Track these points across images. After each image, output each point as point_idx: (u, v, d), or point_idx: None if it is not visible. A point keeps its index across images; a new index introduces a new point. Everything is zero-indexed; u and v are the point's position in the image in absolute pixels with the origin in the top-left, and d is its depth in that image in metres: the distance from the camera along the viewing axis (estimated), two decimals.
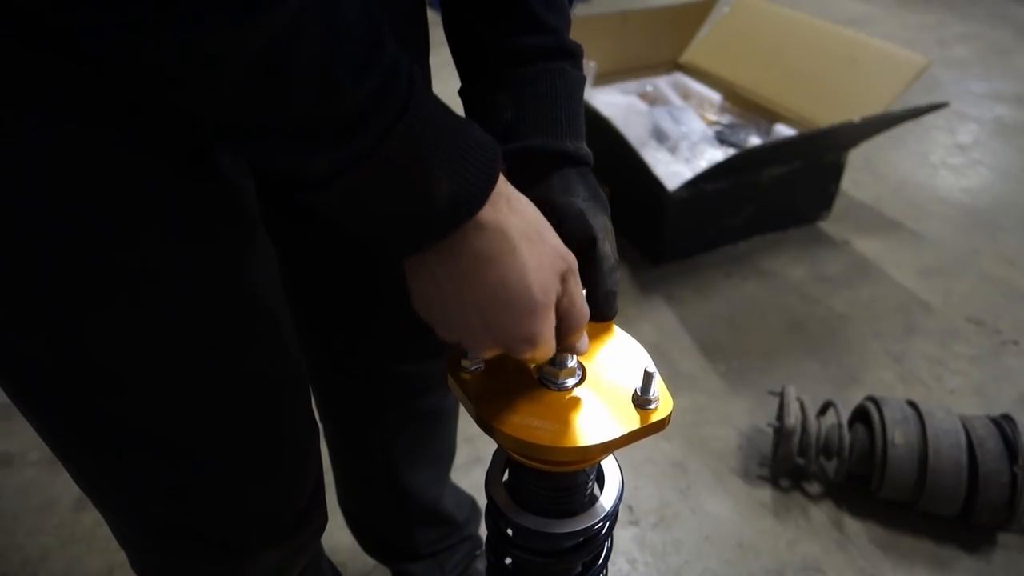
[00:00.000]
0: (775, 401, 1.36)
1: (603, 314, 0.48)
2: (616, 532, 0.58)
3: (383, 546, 0.99)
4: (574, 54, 0.51)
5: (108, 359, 0.43)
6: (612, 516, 0.50)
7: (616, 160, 1.70)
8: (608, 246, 0.48)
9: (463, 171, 0.35)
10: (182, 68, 0.29)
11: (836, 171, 1.92)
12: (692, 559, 1.16)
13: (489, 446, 0.46)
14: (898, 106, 1.73)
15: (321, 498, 0.64)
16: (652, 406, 0.44)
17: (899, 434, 1.15)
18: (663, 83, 2.26)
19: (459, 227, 0.36)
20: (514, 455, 0.46)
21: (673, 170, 1.82)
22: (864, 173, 2.22)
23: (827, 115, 1.86)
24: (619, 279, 0.50)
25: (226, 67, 0.28)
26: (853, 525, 1.20)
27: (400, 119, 0.33)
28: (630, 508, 1.23)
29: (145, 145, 0.38)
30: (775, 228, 1.94)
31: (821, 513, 1.22)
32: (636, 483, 1.27)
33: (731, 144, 1.98)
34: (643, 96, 2.19)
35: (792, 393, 1.24)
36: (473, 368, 0.47)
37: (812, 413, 1.22)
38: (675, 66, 2.36)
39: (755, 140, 1.99)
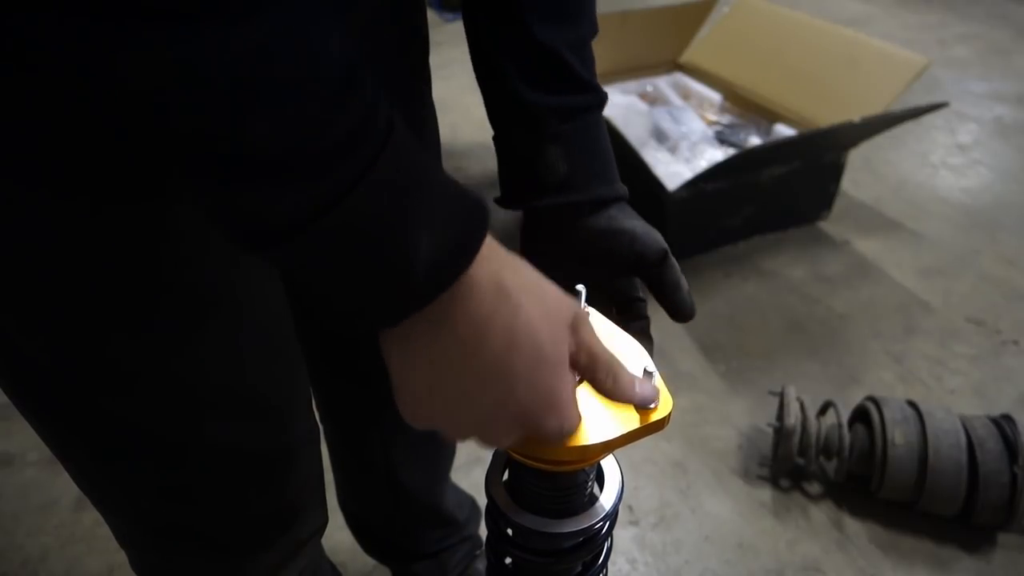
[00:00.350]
0: (775, 401, 1.36)
1: (689, 313, 0.53)
2: (616, 532, 0.58)
3: (383, 546, 0.99)
4: (604, 104, 0.54)
5: (116, 363, 0.43)
6: (612, 516, 0.50)
7: (616, 160, 1.70)
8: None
9: (447, 225, 0.31)
10: (149, 79, 0.26)
11: (836, 171, 1.92)
12: (692, 559, 1.16)
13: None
14: (898, 106, 1.73)
15: (321, 498, 0.64)
16: (652, 405, 0.44)
17: (899, 434, 1.15)
18: (663, 83, 2.26)
19: (447, 289, 0.32)
20: (514, 455, 0.46)
21: (673, 170, 1.82)
22: (864, 173, 2.22)
23: (827, 115, 1.86)
24: None
25: (191, 79, 0.26)
26: (853, 525, 1.20)
27: (374, 165, 0.29)
28: (630, 508, 1.23)
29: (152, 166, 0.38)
30: (775, 228, 1.94)
31: (821, 513, 1.22)
32: (636, 483, 1.27)
33: (731, 144, 1.98)
34: (643, 96, 2.19)
35: (792, 393, 1.24)
36: None
37: (812, 413, 1.22)
38: (675, 66, 2.36)
39: (755, 140, 1.99)
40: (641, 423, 0.43)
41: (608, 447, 0.43)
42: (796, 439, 1.20)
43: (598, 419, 0.44)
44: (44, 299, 0.40)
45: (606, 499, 0.50)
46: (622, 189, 0.54)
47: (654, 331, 0.55)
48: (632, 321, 0.55)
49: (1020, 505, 1.09)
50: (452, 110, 2.38)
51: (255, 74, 0.26)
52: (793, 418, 1.20)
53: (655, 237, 0.52)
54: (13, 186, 0.36)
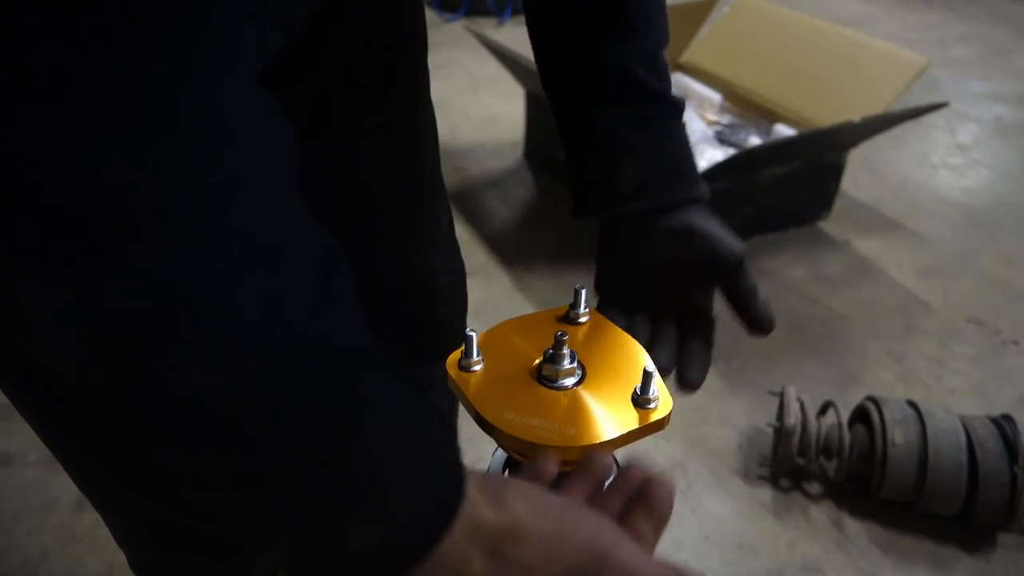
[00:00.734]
0: (775, 401, 1.36)
1: (767, 325, 0.51)
2: None
3: None
4: (682, 111, 0.53)
5: None
6: None
7: None
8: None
9: (388, 512, 0.28)
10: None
11: (836, 171, 1.92)
12: (692, 559, 1.16)
13: (489, 446, 0.46)
14: (898, 106, 1.73)
15: None
16: (652, 405, 0.44)
17: (899, 434, 1.15)
18: None
19: None
20: (514, 455, 0.46)
21: None
22: (864, 173, 2.22)
23: (827, 115, 1.86)
24: None
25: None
26: (853, 525, 1.20)
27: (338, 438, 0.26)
28: None
29: None
30: (775, 228, 1.94)
31: (821, 513, 1.22)
32: None
33: (731, 144, 1.98)
34: None
35: (792, 393, 1.24)
36: (473, 368, 0.47)
37: (812, 413, 1.22)
38: (675, 66, 2.35)
39: (755, 140, 1.99)
40: (641, 423, 0.43)
41: (607, 447, 0.43)
42: (796, 439, 1.20)
43: (598, 419, 0.44)
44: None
45: None
46: (701, 190, 0.52)
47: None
48: (697, 330, 0.53)
49: (1020, 505, 1.09)
50: (452, 110, 2.38)
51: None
52: (793, 418, 1.20)
53: (732, 241, 0.50)
54: None
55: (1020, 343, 1.59)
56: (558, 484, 0.38)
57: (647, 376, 0.44)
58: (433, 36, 0.60)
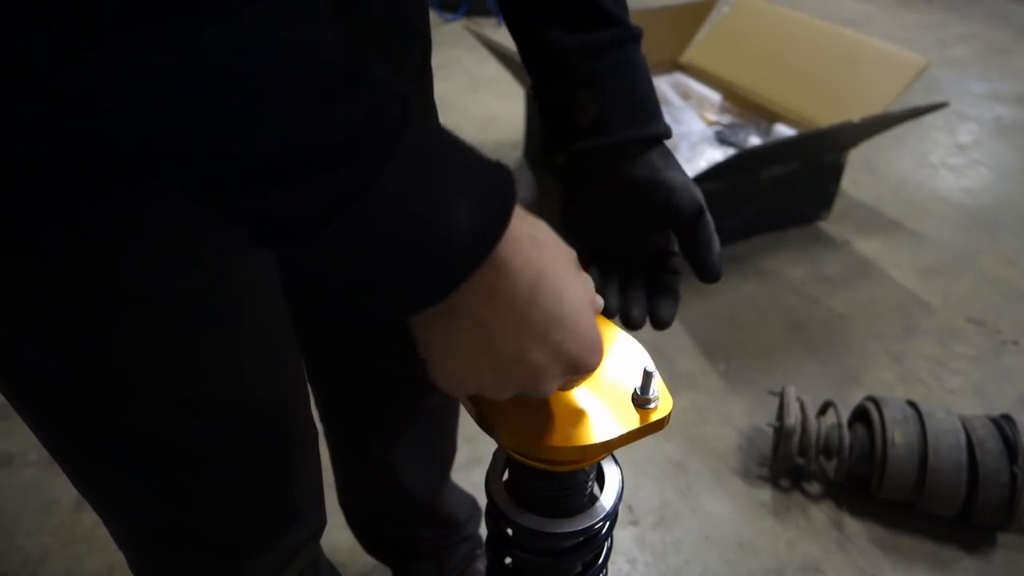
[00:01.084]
0: (775, 401, 1.36)
1: (715, 275, 0.50)
2: (616, 532, 0.58)
3: (383, 546, 0.99)
4: (639, 37, 0.53)
5: (114, 367, 0.43)
6: (612, 516, 0.50)
7: None
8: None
9: (480, 188, 0.31)
10: (117, 93, 0.25)
11: (836, 171, 1.93)
12: (692, 559, 1.16)
13: (489, 446, 0.46)
14: (898, 106, 1.73)
15: (320, 500, 0.64)
16: (652, 405, 0.44)
17: (899, 434, 1.15)
18: (663, 83, 2.26)
19: (493, 250, 0.31)
20: (514, 455, 0.46)
21: None
22: (864, 173, 2.22)
23: (827, 115, 1.86)
24: None
25: (165, 89, 0.25)
26: (853, 525, 1.20)
27: (398, 141, 0.28)
28: (630, 508, 1.23)
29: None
30: (775, 228, 1.94)
31: (821, 513, 1.22)
32: (636, 483, 1.27)
33: (731, 144, 1.98)
34: None
35: (792, 393, 1.24)
36: None
37: (812, 413, 1.22)
38: (675, 66, 2.36)
39: (755, 140, 1.99)
40: (641, 423, 0.43)
41: (607, 447, 0.43)
42: (796, 439, 1.20)
43: (598, 419, 0.44)
44: (41, 304, 0.39)
45: (606, 499, 0.50)
46: (658, 128, 0.51)
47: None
48: (663, 275, 0.53)
49: (1020, 505, 1.09)
50: (452, 110, 2.38)
51: (237, 75, 0.25)
52: (793, 418, 1.20)
53: (692, 192, 0.50)
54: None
55: (1020, 343, 1.59)
56: None
57: (647, 376, 0.44)
58: (434, 36, 0.60)
